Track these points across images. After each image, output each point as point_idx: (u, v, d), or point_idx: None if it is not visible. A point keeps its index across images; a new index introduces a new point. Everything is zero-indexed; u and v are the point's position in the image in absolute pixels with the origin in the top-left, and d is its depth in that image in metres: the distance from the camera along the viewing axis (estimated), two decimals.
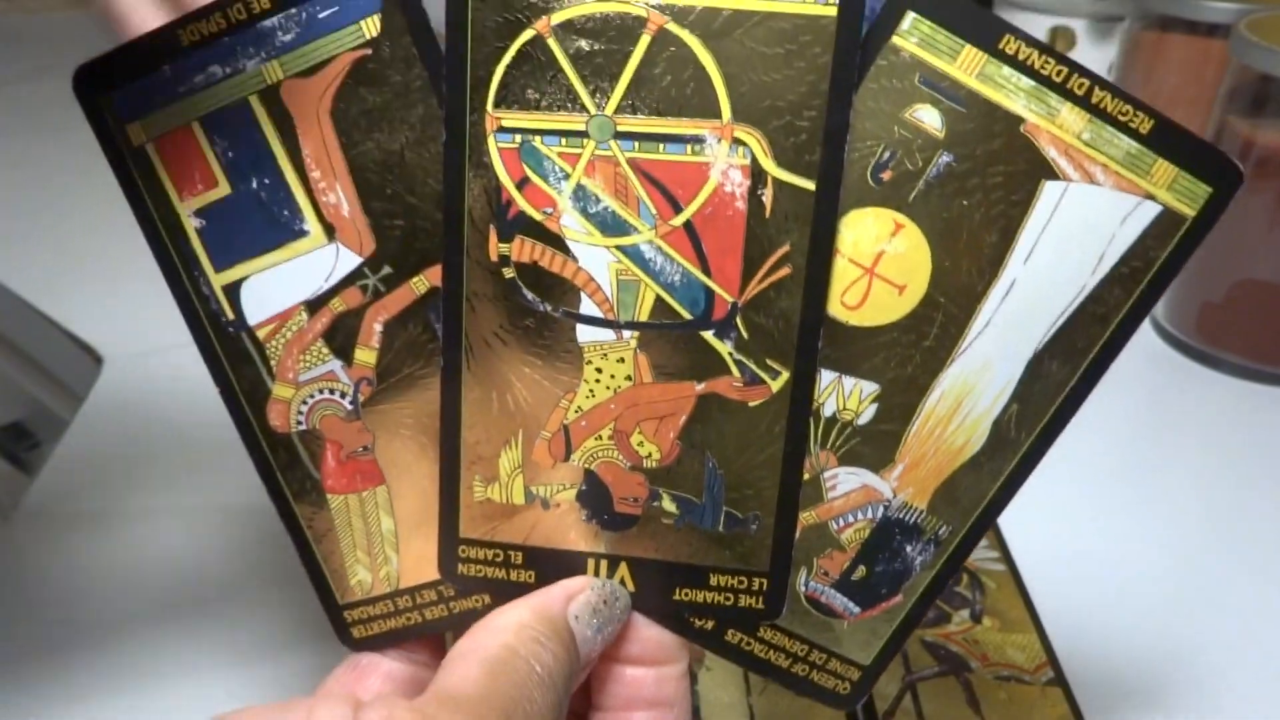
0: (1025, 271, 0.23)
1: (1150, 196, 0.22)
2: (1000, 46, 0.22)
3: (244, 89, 0.24)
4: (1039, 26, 0.72)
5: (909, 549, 0.25)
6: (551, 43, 0.23)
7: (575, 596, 0.24)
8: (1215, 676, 0.41)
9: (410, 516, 0.27)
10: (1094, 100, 0.22)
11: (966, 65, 0.22)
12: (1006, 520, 0.46)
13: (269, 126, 0.24)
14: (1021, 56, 0.22)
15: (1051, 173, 0.22)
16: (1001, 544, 0.45)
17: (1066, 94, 0.22)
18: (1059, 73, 0.22)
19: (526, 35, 0.23)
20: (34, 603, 0.44)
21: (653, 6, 0.22)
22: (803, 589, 0.26)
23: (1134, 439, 0.56)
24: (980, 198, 0.23)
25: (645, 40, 0.22)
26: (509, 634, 0.23)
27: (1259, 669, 0.41)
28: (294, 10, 0.23)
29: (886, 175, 0.23)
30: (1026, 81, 0.22)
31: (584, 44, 0.22)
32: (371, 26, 0.23)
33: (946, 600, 0.42)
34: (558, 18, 0.22)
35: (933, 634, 0.40)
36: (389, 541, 0.27)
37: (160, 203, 0.25)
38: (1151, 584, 0.45)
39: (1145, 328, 0.62)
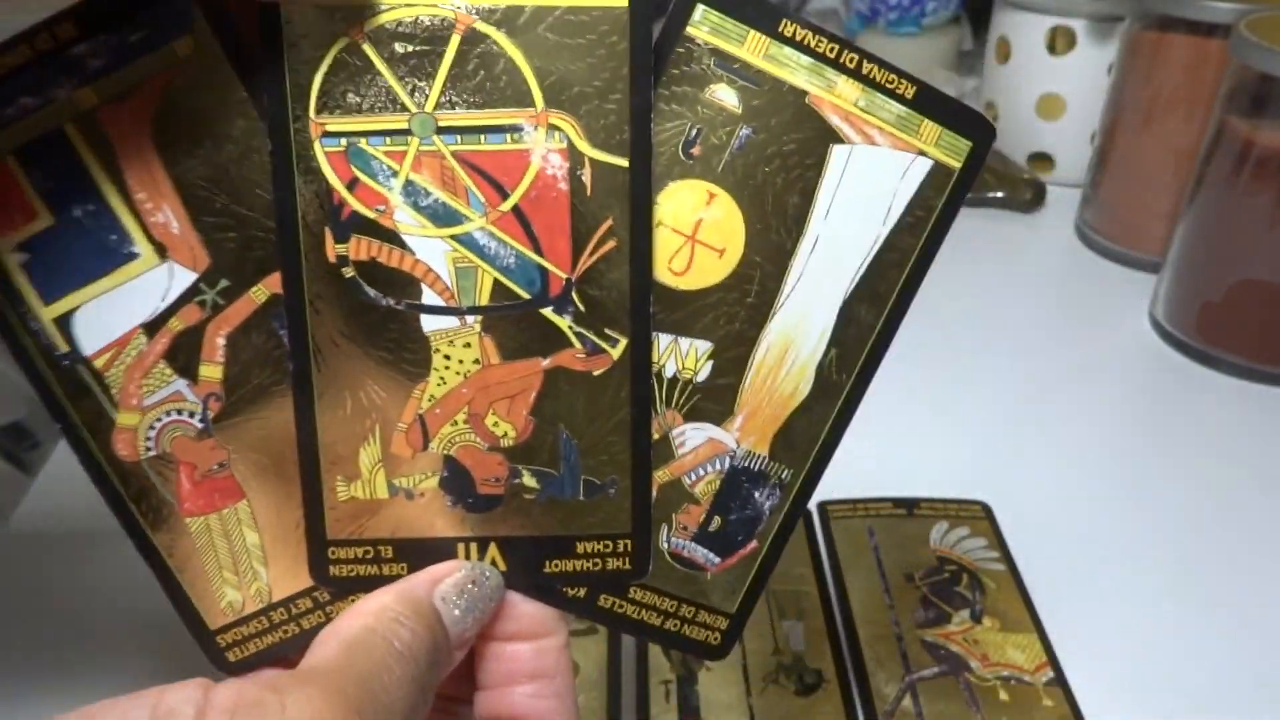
0: (826, 227, 0.26)
1: (922, 153, 0.26)
2: (780, 30, 0.25)
3: (58, 117, 0.24)
4: (1039, 26, 0.73)
5: (757, 495, 0.27)
6: (367, 47, 0.24)
7: (442, 578, 0.25)
8: (1215, 676, 0.42)
9: (275, 527, 0.27)
10: (864, 71, 0.25)
11: (753, 48, 0.25)
12: (1006, 520, 0.47)
13: (88, 153, 0.24)
14: (799, 38, 0.25)
15: (837, 137, 0.25)
16: (1001, 544, 0.46)
17: (840, 68, 0.25)
18: (831, 49, 0.25)
19: (341, 43, 0.24)
20: (34, 603, 0.43)
21: (459, 8, 0.24)
22: (665, 545, 0.27)
23: (1134, 439, 0.56)
24: (779, 164, 0.25)
25: (456, 39, 0.24)
26: (369, 616, 0.23)
27: (1259, 669, 0.42)
28: (103, 36, 0.24)
29: (696, 150, 0.25)
30: (805, 59, 0.25)
31: (398, 46, 0.24)
32: (184, 47, 0.24)
33: (946, 600, 0.42)
34: (370, 24, 0.24)
35: (933, 634, 0.41)
36: (256, 556, 0.27)
37: None
38: (1151, 584, 0.46)
39: (1145, 327, 0.64)
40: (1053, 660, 0.41)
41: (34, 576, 0.46)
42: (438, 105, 0.24)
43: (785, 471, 0.27)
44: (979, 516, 0.48)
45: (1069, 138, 0.76)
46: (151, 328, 0.26)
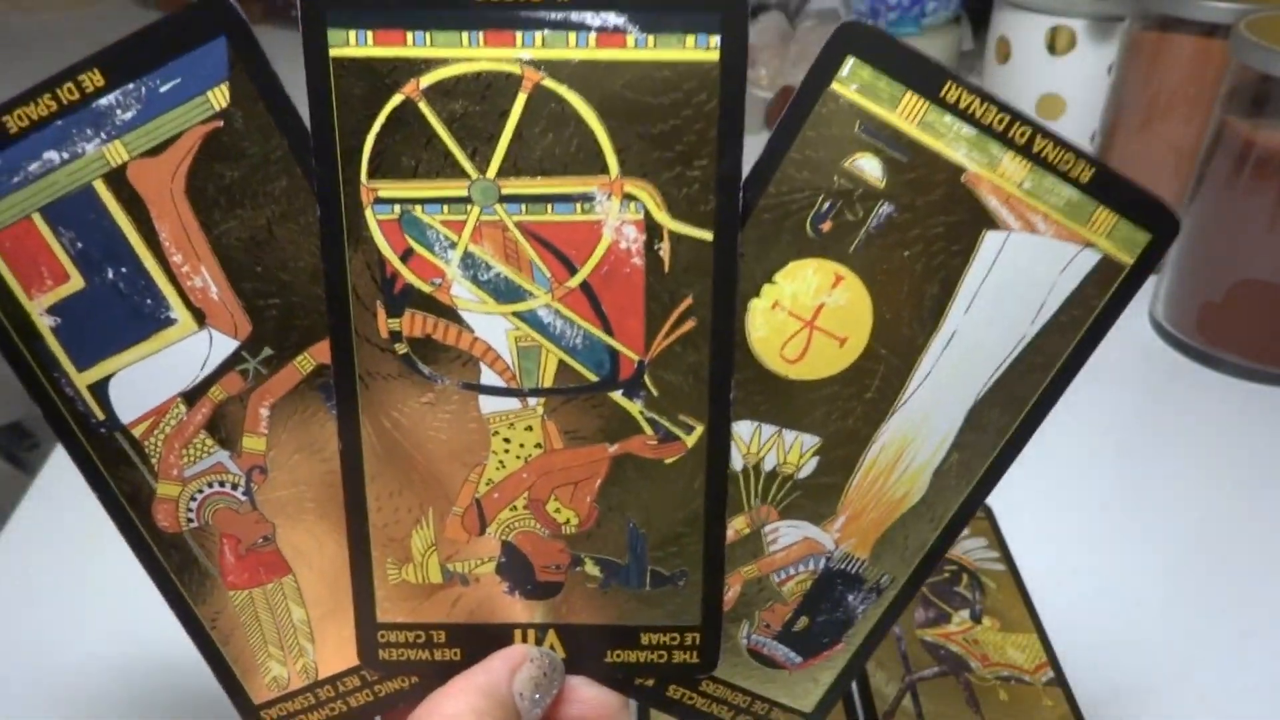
0: (966, 322, 0.23)
1: (1090, 245, 0.22)
2: (942, 94, 0.22)
3: (86, 174, 0.22)
4: (1039, 26, 0.71)
5: (851, 598, 0.25)
6: (423, 106, 0.21)
7: (517, 671, 0.24)
8: (1215, 677, 0.41)
9: (323, 603, 0.26)
10: (1035, 149, 0.22)
11: (908, 113, 0.22)
12: (1006, 520, 0.46)
13: (119, 212, 0.23)
14: (963, 105, 0.22)
15: (992, 223, 0.22)
16: (1001, 544, 0.45)
17: (1008, 143, 0.22)
18: (1001, 121, 0.22)
19: (395, 101, 0.21)
20: (34, 603, 0.43)
21: (526, 63, 0.21)
22: (744, 641, 0.26)
23: (1134, 439, 0.56)
24: (921, 249, 0.22)
25: (522, 98, 0.21)
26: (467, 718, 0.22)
27: (1258, 669, 0.42)
28: (131, 85, 0.22)
29: (826, 226, 0.22)
30: (968, 130, 0.22)
31: (457, 106, 0.21)
32: (220, 97, 0.22)
33: (946, 600, 0.42)
34: (427, 80, 0.21)
35: (933, 634, 0.40)
36: (302, 632, 0.26)
37: (6, 303, 0.23)
38: (1151, 584, 0.46)
39: (1145, 327, 0.63)
40: (1053, 660, 0.40)
41: (34, 576, 0.46)
42: (500, 171, 0.22)
43: (886, 576, 0.25)
44: (979, 516, 0.47)
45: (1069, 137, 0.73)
46: (190, 396, 0.24)
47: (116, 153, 0.22)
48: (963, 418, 0.24)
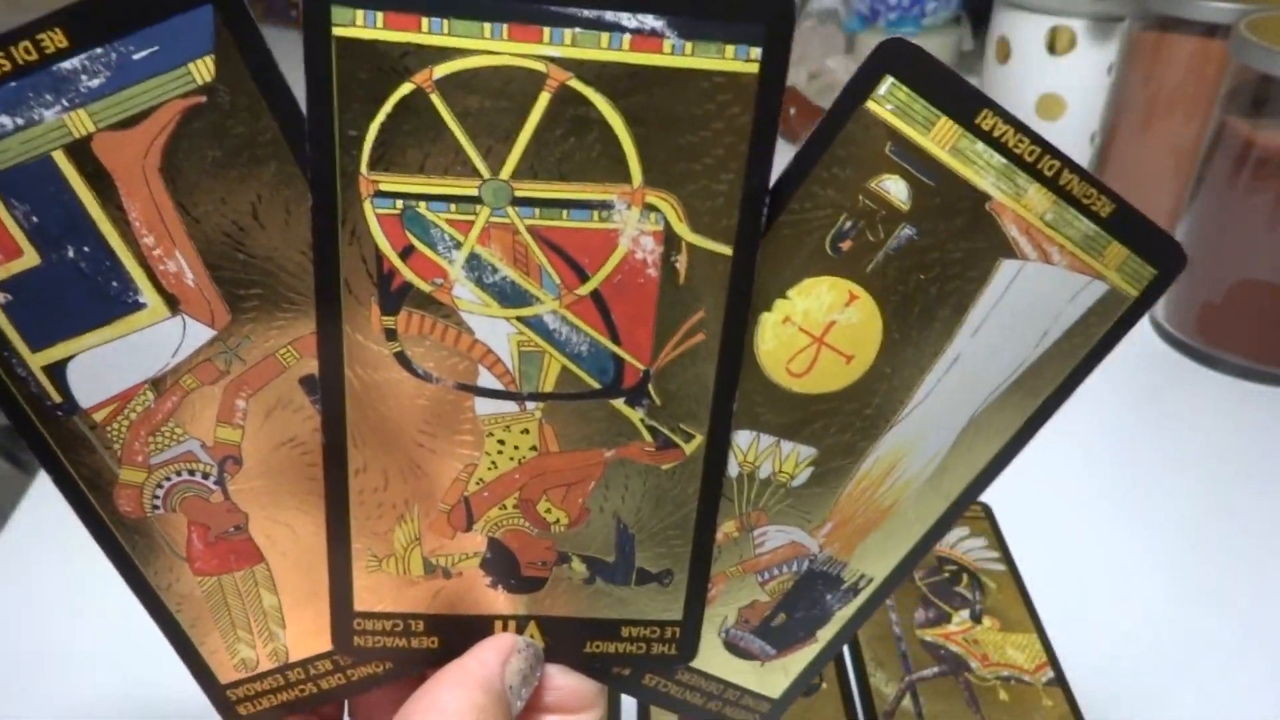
0: (971, 345, 0.23)
1: (1100, 276, 0.23)
2: (977, 121, 0.21)
3: (44, 143, 0.20)
4: (1039, 26, 0.71)
5: (829, 597, 0.26)
6: (435, 99, 0.20)
7: (507, 662, 0.24)
8: (1215, 676, 0.42)
9: (296, 590, 0.25)
10: (1062, 182, 0.22)
11: (940, 138, 0.21)
12: (1006, 520, 0.47)
13: (82, 187, 0.21)
14: (997, 134, 0.21)
15: (1010, 251, 0.22)
16: (1001, 544, 0.46)
17: (1036, 174, 0.22)
18: (1032, 152, 0.22)
19: (405, 89, 0.20)
20: (34, 603, 0.43)
21: (552, 61, 0.20)
22: (722, 635, 0.26)
23: (1134, 439, 0.56)
24: (938, 272, 0.22)
25: (545, 98, 0.20)
26: (468, 713, 0.22)
27: (1258, 669, 0.43)
28: (100, 50, 0.20)
29: (846, 245, 0.22)
30: (999, 159, 0.22)
31: (474, 101, 0.20)
32: (204, 70, 0.20)
33: (946, 600, 0.43)
34: (441, 71, 0.20)
35: (933, 634, 0.41)
36: (273, 618, 0.25)
37: None
38: (1151, 584, 0.46)
39: (1145, 327, 0.64)
40: (1053, 660, 0.41)
41: (34, 576, 0.45)
42: (516, 172, 0.21)
43: (864, 578, 0.26)
44: (979, 517, 0.48)
45: (1069, 138, 0.75)
46: (159, 384, 0.23)
47: (80, 122, 0.20)
48: (956, 435, 0.24)
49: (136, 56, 0.20)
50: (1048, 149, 0.22)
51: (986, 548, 0.46)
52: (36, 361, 0.22)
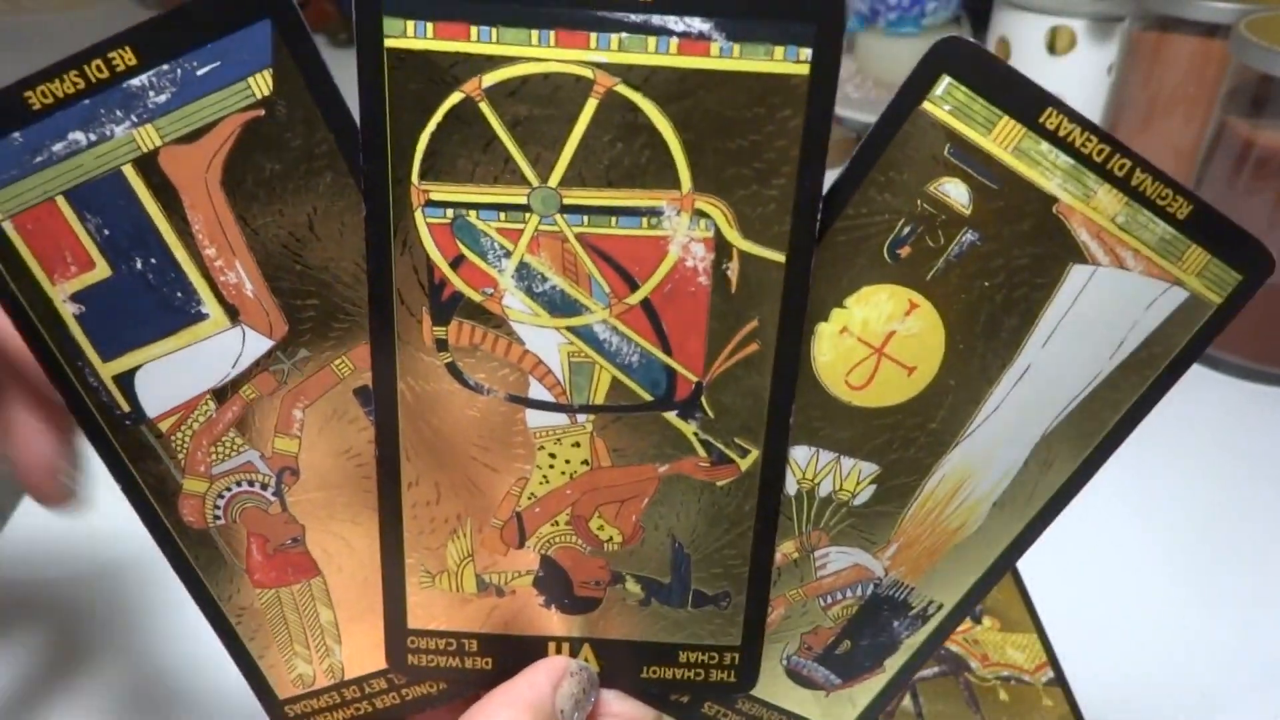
0: (1042, 356, 0.22)
1: (1179, 282, 0.22)
2: (1041, 120, 0.21)
3: (114, 158, 0.21)
4: (1039, 26, 0.72)
5: (896, 624, 0.25)
6: (484, 107, 0.20)
7: (559, 686, 0.24)
8: (1215, 677, 0.42)
9: (352, 605, 0.25)
10: (1134, 183, 0.21)
11: (1002, 138, 0.21)
12: None
13: (149, 200, 0.22)
14: (1063, 133, 0.21)
15: (1081, 256, 0.22)
16: None
17: (1106, 175, 0.21)
18: (1100, 152, 0.21)
19: (454, 99, 0.20)
20: (33, 603, 0.44)
21: (599, 67, 0.20)
22: (784, 662, 0.26)
23: (1134, 439, 0.55)
24: (1003, 279, 0.22)
25: (592, 104, 0.20)
26: None
27: (1258, 669, 0.42)
28: (166, 67, 0.21)
29: (904, 251, 0.22)
30: (1065, 160, 0.21)
31: (522, 109, 0.20)
32: (262, 84, 0.21)
33: None
34: (490, 79, 0.20)
35: None
36: (329, 633, 0.26)
37: (27, 287, 0.22)
38: (1151, 584, 0.46)
39: None
40: (1053, 660, 0.41)
41: (34, 576, 0.45)
42: (564, 179, 0.21)
43: (933, 604, 0.25)
44: None
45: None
46: (221, 394, 0.23)
47: (148, 137, 0.21)
48: (1028, 452, 0.23)
49: (200, 72, 0.21)
50: (1118, 148, 0.21)
51: None
52: (107, 371, 0.23)
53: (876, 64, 0.91)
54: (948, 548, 0.24)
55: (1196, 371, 0.59)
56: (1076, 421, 0.23)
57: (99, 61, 0.21)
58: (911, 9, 0.89)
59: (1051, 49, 0.72)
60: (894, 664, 0.26)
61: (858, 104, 0.87)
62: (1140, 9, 0.65)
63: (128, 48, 0.21)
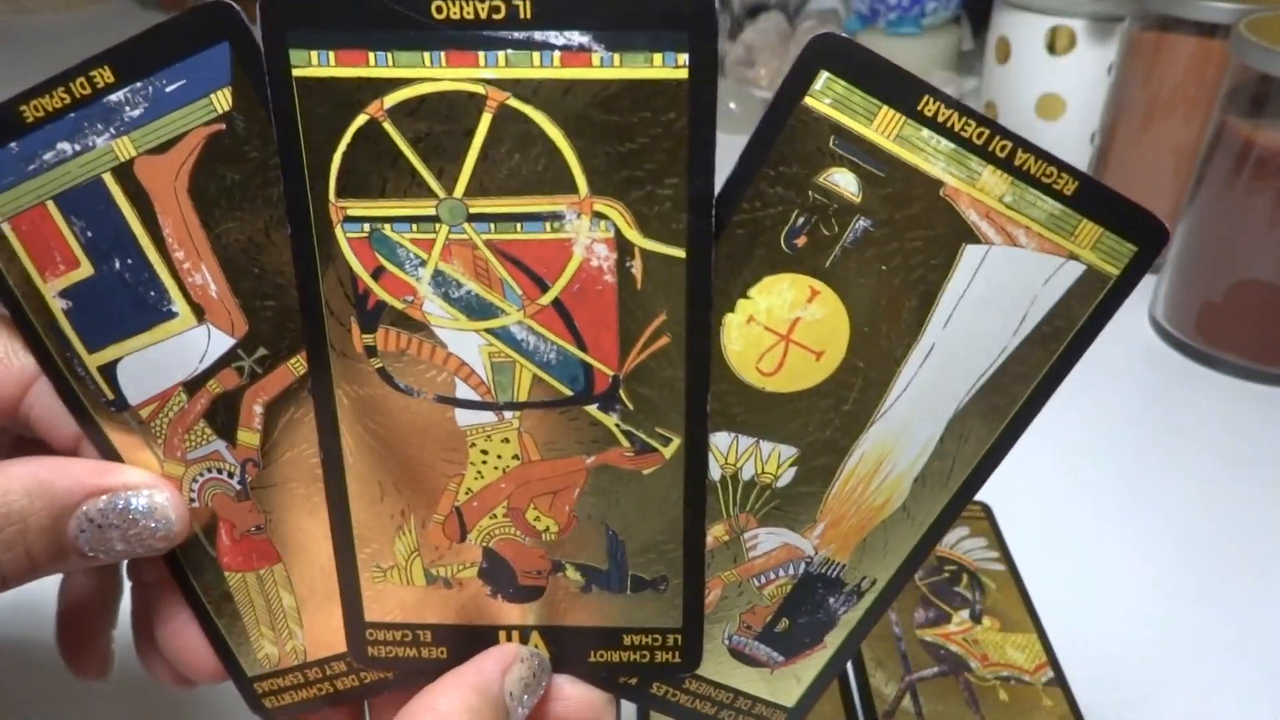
0: (945, 335, 0.23)
1: (1074, 257, 0.22)
2: (919, 108, 0.22)
3: (96, 166, 0.24)
4: (1039, 27, 0.72)
5: (831, 600, 0.26)
6: (388, 126, 0.22)
7: (508, 670, 0.25)
8: (1214, 676, 0.42)
9: (312, 592, 0.27)
10: (1017, 162, 0.22)
11: (884, 127, 0.22)
12: (1006, 520, 0.47)
13: (126, 205, 0.24)
14: (941, 119, 0.22)
15: (973, 236, 0.22)
16: (1001, 544, 0.46)
17: (988, 156, 0.22)
18: (980, 135, 0.22)
19: (360, 120, 0.22)
20: (33, 603, 0.44)
21: (490, 83, 0.21)
22: (726, 642, 0.27)
23: (1133, 439, 0.56)
24: (899, 262, 0.23)
25: (487, 118, 0.22)
26: (460, 716, 0.24)
27: (1258, 669, 0.42)
28: (139, 84, 0.23)
29: (801, 241, 0.23)
30: (946, 144, 0.22)
31: (422, 125, 0.22)
32: (223, 100, 0.23)
33: (946, 600, 0.43)
34: (391, 100, 0.22)
35: (933, 634, 0.41)
36: (292, 617, 0.27)
37: (22, 283, 0.25)
38: (1151, 584, 0.46)
39: (1145, 327, 0.64)
40: (1052, 660, 0.40)
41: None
42: (468, 190, 0.22)
43: (866, 580, 0.26)
44: (979, 516, 0.48)
45: (1069, 138, 0.75)
46: (190, 387, 0.26)
47: (125, 148, 0.23)
48: (944, 427, 0.24)
49: (169, 89, 0.23)
50: (997, 130, 0.21)
51: (986, 548, 0.46)
52: (92, 362, 0.25)
53: None
54: (874, 524, 0.25)
55: (1196, 371, 0.60)
56: (988, 396, 0.24)
57: (82, 79, 0.23)
58: (911, 9, 0.90)
59: (1051, 49, 0.72)
60: (834, 639, 0.26)
61: None
62: (1140, 9, 0.65)
63: (107, 66, 0.23)
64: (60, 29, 1.07)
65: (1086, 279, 0.23)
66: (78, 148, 0.24)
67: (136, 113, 0.23)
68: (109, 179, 0.24)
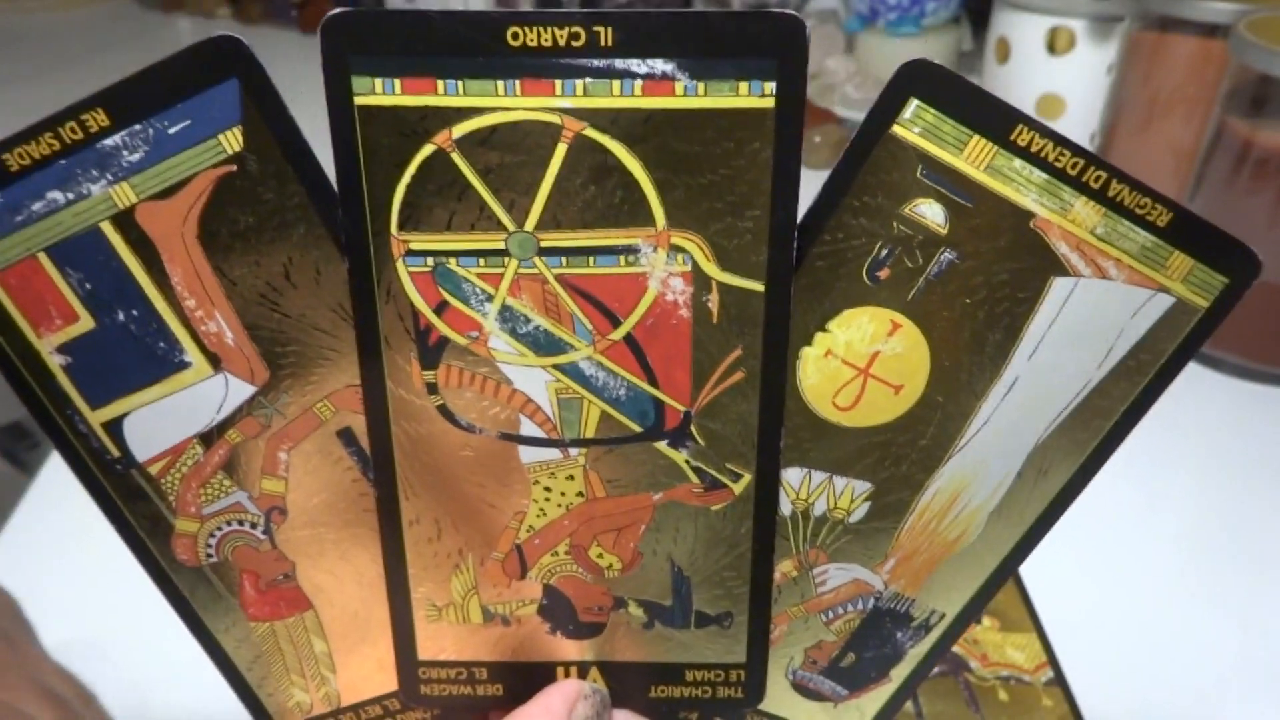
0: (1029, 368, 0.23)
1: (1164, 289, 0.22)
2: (1012, 138, 0.21)
3: (93, 215, 0.22)
4: (1039, 27, 0.73)
5: (899, 635, 0.26)
6: (456, 157, 0.21)
7: (574, 708, 0.25)
8: (1215, 677, 0.43)
9: (344, 637, 0.27)
10: (1110, 194, 0.22)
11: (974, 157, 0.21)
12: None
13: (128, 254, 0.23)
14: (1035, 148, 0.21)
15: (1062, 269, 0.22)
16: None
17: (1081, 188, 0.22)
18: (1075, 165, 0.21)
19: (427, 151, 0.21)
20: (33, 603, 0.45)
21: (567, 112, 0.20)
22: (789, 676, 0.26)
23: (1133, 439, 0.56)
24: (984, 295, 0.23)
25: (562, 149, 0.21)
26: None
27: (1258, 669, 0.43)
28: (138, 127, 0.22)
29: (884, 274, 0.22)
30: (1039, 175, 0.22)
31: (493, 157, 0.21)
32: (233, 140, 0.22)
33: None
34: (460, 130, 0.21)
35: None
36: (324, 663, 0.27)
37: (14, 340, 0.23)
38: (1151, 584, 0.47)
39: None
40: (1052, 660, 0.42)
41: (34, 576, 0.47)
42: (539, 223, 0.22)
43: (935, 614, 0.26)
44: None
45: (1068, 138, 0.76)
46: (207, 438, 0.24)
47: (124, 194, 0.22)
48: (1023, 461, 0.24)
49: (171, 131, 0.22)
50: (1092, 160, 0.21)
51: None
52: (96, 419, 0.24)
53: (876, 64, 0.93)
54: (946, 558, 0.25)
55: (1196, 372, 0.62)
56: (1069, 430, 0.24)
57: (73, 123, 0.21)
58: (911, 9, 0.90)
59: (1051, 49, 0.73)
60: (900, 673, 0.26)
61: (858, 104, 0.88)
62: (1140, 9, 0.66)
63: (100, 109, 0.21)
64: (60, 29, 1.05)
65: (1175, 311, 0.22)
66: (71, 196, 0.22)
67: (136, 157, 0.22)
68: (108, 227, 0.22)
